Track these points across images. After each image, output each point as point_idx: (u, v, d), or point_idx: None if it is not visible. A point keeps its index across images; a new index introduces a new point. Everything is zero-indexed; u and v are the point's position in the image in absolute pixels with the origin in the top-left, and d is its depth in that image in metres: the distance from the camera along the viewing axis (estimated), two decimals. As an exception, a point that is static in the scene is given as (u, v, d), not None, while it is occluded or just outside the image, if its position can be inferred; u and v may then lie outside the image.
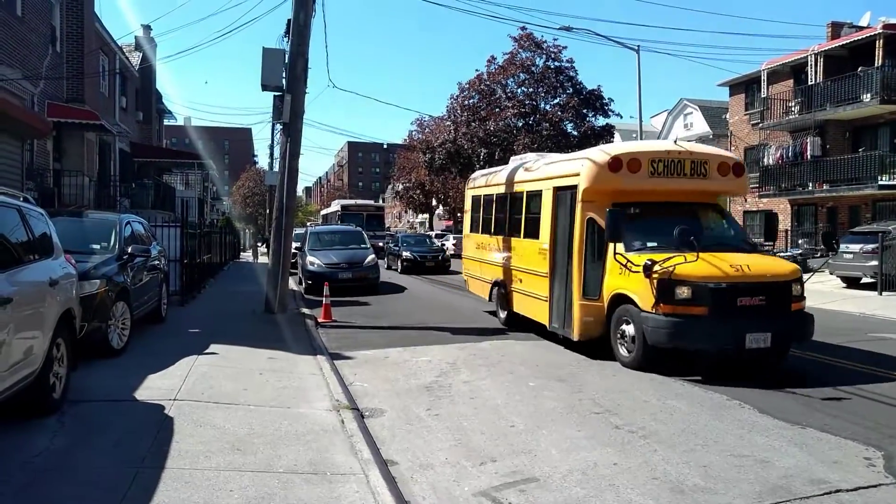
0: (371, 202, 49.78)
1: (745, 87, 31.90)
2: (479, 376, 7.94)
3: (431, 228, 61.32)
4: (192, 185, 40.21)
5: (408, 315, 13.56)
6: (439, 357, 9.03)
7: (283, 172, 12.68)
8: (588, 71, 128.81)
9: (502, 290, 11.64)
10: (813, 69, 27.39)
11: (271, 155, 38.96)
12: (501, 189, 12.05)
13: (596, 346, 9.03)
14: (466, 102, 39.05)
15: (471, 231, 13.77)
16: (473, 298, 16.56)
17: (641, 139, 26.19)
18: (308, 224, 34.88)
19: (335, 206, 43.83)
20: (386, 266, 26.59)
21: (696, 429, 5.93)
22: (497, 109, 37.65)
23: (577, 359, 9.01)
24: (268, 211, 39.96)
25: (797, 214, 28.93)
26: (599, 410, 6.49)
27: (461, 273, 15.05)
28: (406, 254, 25.77)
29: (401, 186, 61.39)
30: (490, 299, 12.36)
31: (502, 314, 11.73)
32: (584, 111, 36.70)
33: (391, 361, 8.83)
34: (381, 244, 37.26)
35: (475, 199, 13.60)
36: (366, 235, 20.93)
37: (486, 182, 13.16)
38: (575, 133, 36.60)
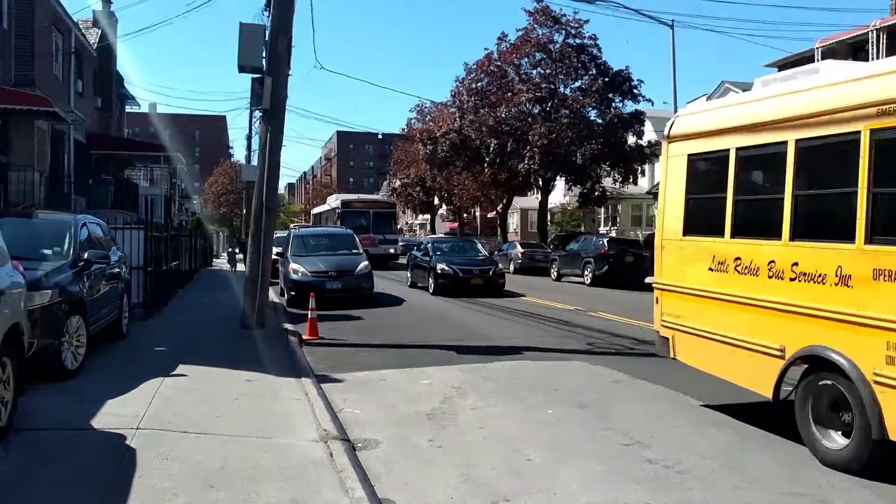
0: (379, 197, 47.66)
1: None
2: (488, 402, 7.94)
3: (433, 231, 61.42)
4: (158, 182, 40.38)
5: (406, 331, 13.54)
6: (443, 380, 9.03)
7: (262, 167, 12.71)
8: (614, 50, 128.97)
9: (844, 387, 5.66)
10: (874, 46, 27.39)
11: (249, 147, 39.20)
12: (821, 128, 5.99)
13: (629, 364, 8.99)
14: (474, 86, 39.16)
15: (689, 233, 7.71)
16: (480, 311, 16.56)
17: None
18: (291, 226, 34.48)
19: (333, 202, 41.03)
20: (409, 282, 23.73)
21: (740, 463, 5.90)
22: (509, 94, 37.75)
23: (604, 381, 9.00)
24: (244, 211, 40.09)
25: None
26: (629, 442, 6.48)
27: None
28: (442, 267, 20.91)
29: (398, 183, 61.49)
30: (776, 396, 6.30)
31: (832, 442, 5.87)
32: (610, 95, 36.77)
33: (387, 385, 8.84)
34: (392, 250, 35.16)
35: (700, 161, 7.71)
36: (358, 239, 20.89)
37: (735, 119, 7.10)
38: (599, 121, 36.63)
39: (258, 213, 12.70)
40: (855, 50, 28.90)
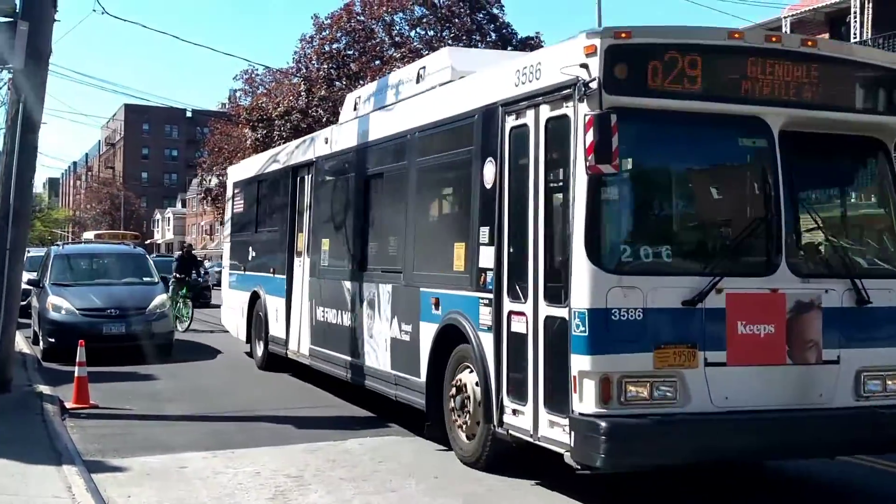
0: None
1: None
2: (341, 497, 7.95)
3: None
4: None
5: (222, 395, 13.52)
6: (275, 466, 9.01)
7: (10, 152, 12.48)
8: (521, 10, 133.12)
9: None
10: (858, 18, 29.47)
11: (-11, 123, 37.56)
12: None
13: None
14: (327, 48, 39.29)
15: None
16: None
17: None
18: (57, 243, 32.54)
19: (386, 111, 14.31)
20: None
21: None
22: (377, 62, 38.16)
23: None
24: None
25: None
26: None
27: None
28: None
29: (215, 181, 60.44)
30: None
31: None
32: (515, 69, 37.92)
33: (191, 474, 8.74)
34: None
35: None
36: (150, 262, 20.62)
37: None
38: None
39: (2, 220, 12.37)
40: (832, 22, 31.08)
